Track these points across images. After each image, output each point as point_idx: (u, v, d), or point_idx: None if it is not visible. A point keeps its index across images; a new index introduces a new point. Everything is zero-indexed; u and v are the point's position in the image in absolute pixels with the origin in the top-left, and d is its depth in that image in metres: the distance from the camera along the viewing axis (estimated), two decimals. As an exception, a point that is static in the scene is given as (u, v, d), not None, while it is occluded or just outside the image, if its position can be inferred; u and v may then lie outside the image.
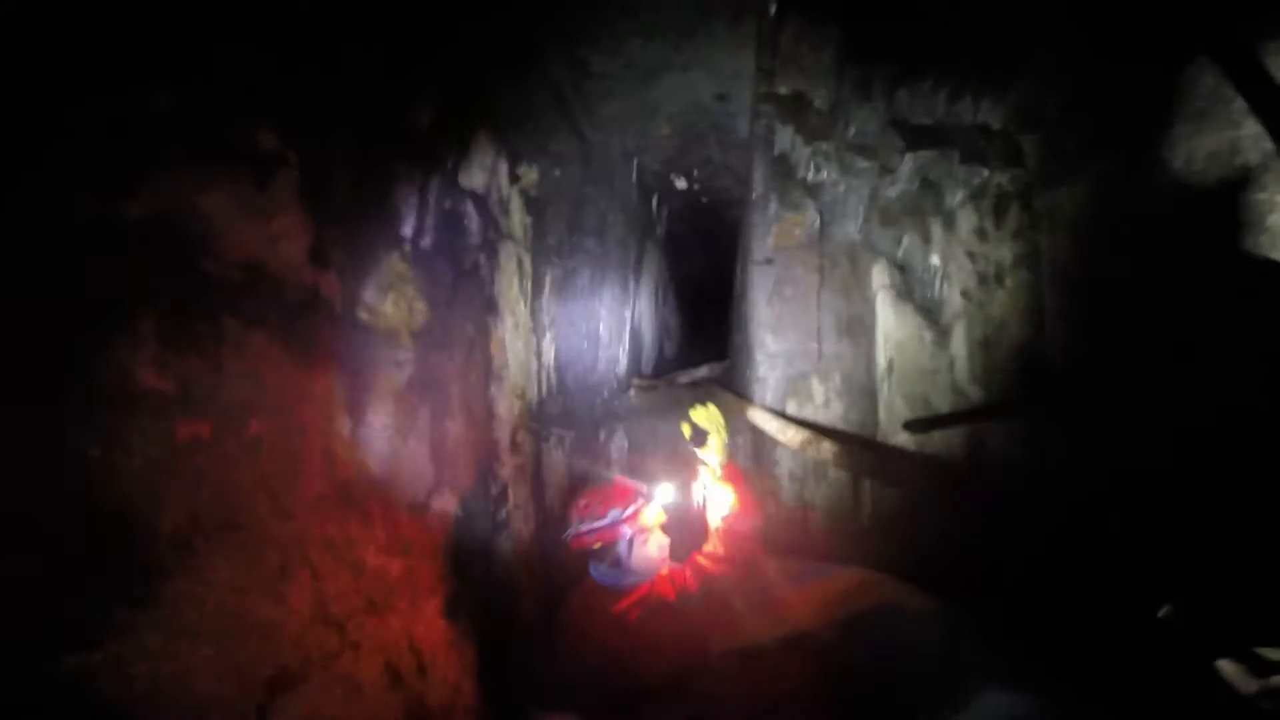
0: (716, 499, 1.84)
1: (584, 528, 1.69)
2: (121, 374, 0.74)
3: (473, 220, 1.68)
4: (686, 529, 1.93)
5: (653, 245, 3.81)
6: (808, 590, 1.80)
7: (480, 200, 1.75)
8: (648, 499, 1.79)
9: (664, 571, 1.71)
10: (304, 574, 0.91)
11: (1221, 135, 1.46)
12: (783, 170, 2.26)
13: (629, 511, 1.73)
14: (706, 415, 1.84)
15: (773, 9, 2.17)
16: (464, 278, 1.61)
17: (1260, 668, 0.75)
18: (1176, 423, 1.50)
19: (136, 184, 0.78)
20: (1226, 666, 0.78)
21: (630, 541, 1.70)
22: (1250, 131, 1.42)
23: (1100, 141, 1.71)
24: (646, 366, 3.79)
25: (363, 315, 1.15)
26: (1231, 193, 1.45)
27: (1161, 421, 1.54)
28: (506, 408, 1.86)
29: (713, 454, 1.83)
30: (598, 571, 1.70)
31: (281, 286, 0.98)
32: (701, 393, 3.05)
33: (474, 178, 1.72)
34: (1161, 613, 0.78)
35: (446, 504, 1.35)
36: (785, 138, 2.25)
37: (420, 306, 1.32)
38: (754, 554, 1.75)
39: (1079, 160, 1.76)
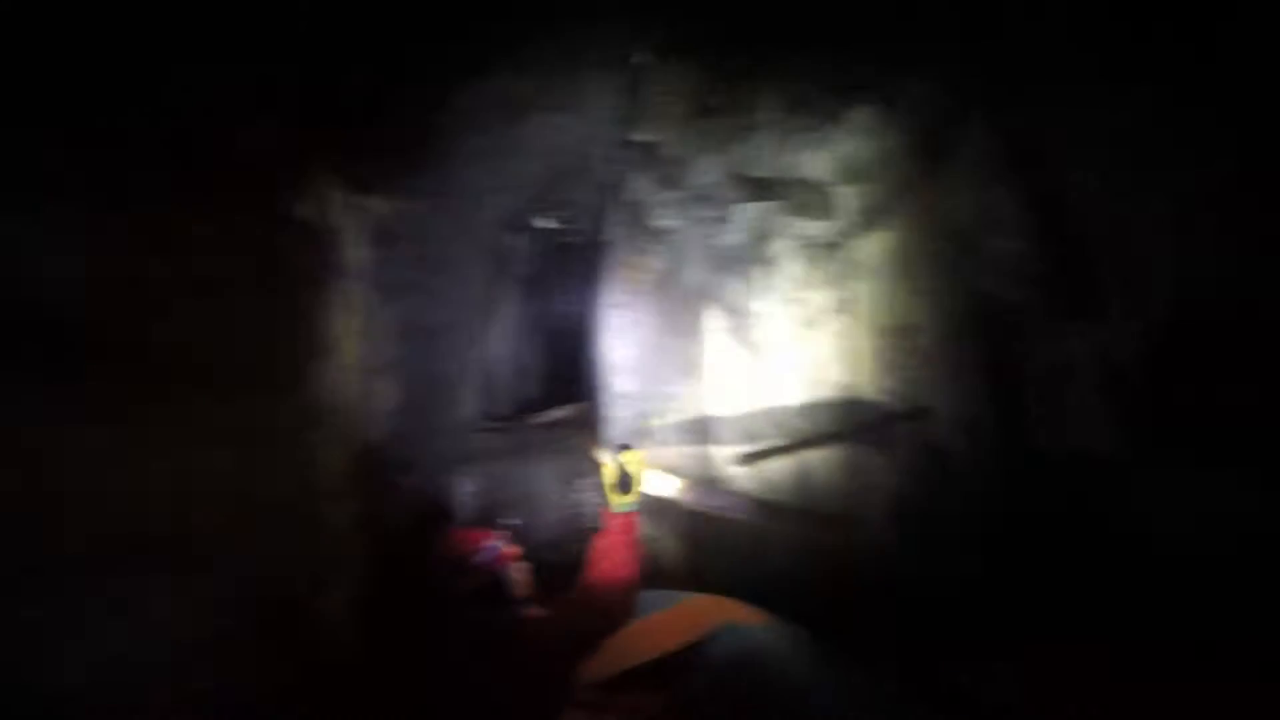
0: (607, 541, 1.78)
1: (473, 561, 1.62)
2: None
3: (301, 255, 1.57)
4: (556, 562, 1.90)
5: (511, 284, 3.78)
6: (663, 617, 1.84)
7: (312, 233, 1.64)
8: (506, 534, 1.75)
9: (531, 609, 1.67)
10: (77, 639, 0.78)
11: (992, 192, 1.73)
12: (633, 216, 2.36)
13: (499, 546, 1.68)
14: (634, 460, 1.80)
15: (636, 60, 2.29)
16: (287, 315, 1.49)
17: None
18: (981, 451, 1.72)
19: None
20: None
21: (509, 571, 1.66)
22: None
23: (902, 193, 1.96)
24: (502, 408, 3.70)
25: (151, 357, 1.02)
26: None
27: (971, 451, 1.76)
28: (335, 455, 1.73)
29: (631, 499, 1.78)
30: (474, 612, 1.62)
31: (54, 322, 0.85)
32: (556, 434, 3.03)
33: (307, 208, 1.61)
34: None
35: (246, 569, 1.21)
36: (637, 185, 2.35)
37: (228, 346, 1.19)
38: (624, 594, 1.72)
39: (885, 211, 2.00)
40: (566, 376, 5.89)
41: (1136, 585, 1.22)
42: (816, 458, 2.04)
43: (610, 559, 1.70)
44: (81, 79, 0.94)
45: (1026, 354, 1.58)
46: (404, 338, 2.38)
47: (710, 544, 2.18)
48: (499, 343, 3.71)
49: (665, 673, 1.74)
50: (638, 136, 2.25)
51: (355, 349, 1.95)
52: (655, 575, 2.26)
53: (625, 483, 1.77)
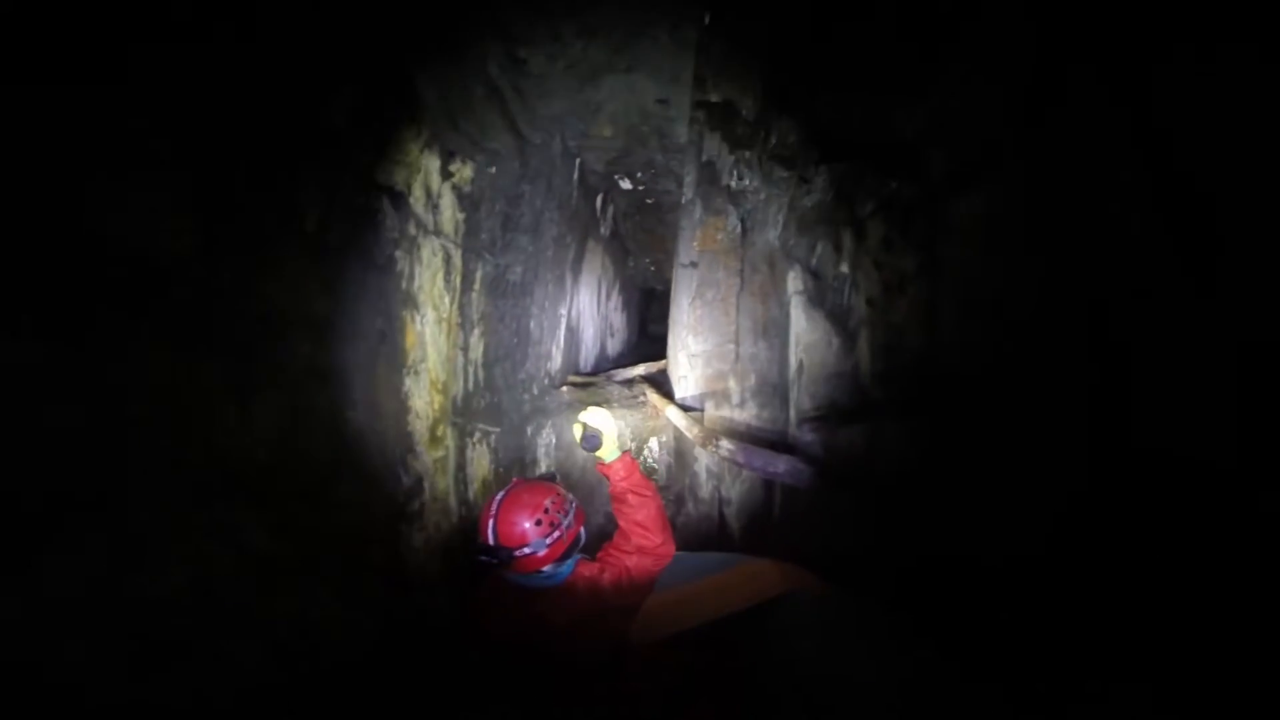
0: (615, 490, 1.75)
1: (549, 540, 1.54)
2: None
3: (389, 216, 1.70)
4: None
5: (595, 244, 3.86)
6: (718, 580, 1.86)
7: (398, 197, 1.76)
8: (564, 490, 1.74)
9: (580, 569, 1.66)
10: (177, 553, 0.92)
11: (1105, 154, 1.57)
12: (709, 176, 2.34)
13: (575, 503, 1.68)
14: (599, 417, 1.75)
15: (707, 19, 2.23)
16: (376, 271, 1.62)
17: None
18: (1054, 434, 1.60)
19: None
20: None
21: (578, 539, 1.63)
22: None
23: (997, 156, 1.81)
24: (586, 364, 3.83)
25: (256, 305, 1.16)
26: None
27: (1042, 434, 1.64)
28: (424, 401, 1.88)
29: (609, 453, 1.74)
30: (519, 577, 1.58)
31: (169, 278, 0.99)
32: (635, 391, 3.11)
33: (393, 175, 1.73)
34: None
35: (344, 491, 1.37)
36: (713, 145, 2.32)
37: (322, 298, 1.34)
38: (663, 545, 1.72)
39: (977, 174, 1.87)
40: (649, 334, 6.00)
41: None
42: (890, 428, 1.99)
43: (626, 503, 1.71)
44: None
45: (1138, 339, 1.43)
46: (493, 294, 2.52)
47: (781, 509, 2.20)
48: (585, 300, 3.83)
49: (721, 636, 1.77)
50: (713, 97, 2.21)
51: (447, 304, 2.10)
52: (724, 538, 2.31)
53: (591, 441, 1.73)
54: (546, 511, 1.55)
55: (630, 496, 1.70)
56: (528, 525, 1.51)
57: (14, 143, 0.80)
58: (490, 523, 1.53)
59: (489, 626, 1.61)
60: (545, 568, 1.55)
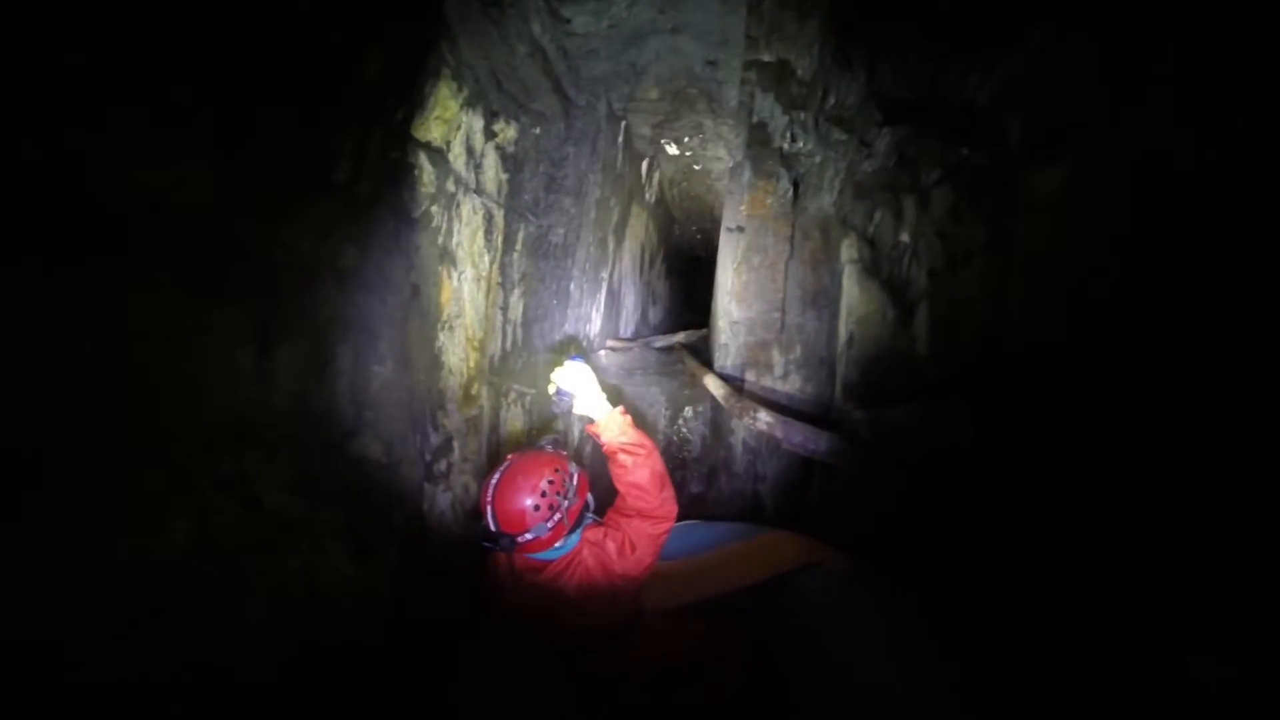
0: (606, 449, 1.67)
1: (550, 524, 1.47)
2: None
3: (425, 171, 1.64)
4: None
5: (639, 209, 3.75)
6: (735, 550, 1.81)
7: (437, 153, 1.71)
8: (569, 463, 1.63)
9: (585, 534, 1.61)
10: (181, 506, 0.90)
11: (1196, 126, 1.39)
12: (760, 138, 2.21)
13: (577, 471, 1.64)
14: (572, 374, 1.64)
15: None
16: (410, 226, 1.58)
17: None
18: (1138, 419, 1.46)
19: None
20: None
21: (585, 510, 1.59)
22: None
23: (1083, 123, 1.64)
24: (626, 329, 3.77)
25: (280, 254, 1.12)
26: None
27: (1123, 426, 1.50)
28: (459, 358, 1.85)
29: (588, 413, 1.65)
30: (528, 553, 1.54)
31: (186, 223, 0.96)
32: (673, 358, 3.03)
33: (430, 130, 1.68)
34: None
35: (366, 448, 1.34)
36: (765, 106, 2.18)
37: (351, 249, 1.29)
38: (661, 506, 1.61)
39: (1061, 142, 1.69)
40: (692, 303, 5.89)
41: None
42: (947, 410, 1.86)
43: (617, 463, 1.61)
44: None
45: (1231, 322, 1.27)
46: (534, 255, 2.46)
47: (819, 488, 2.10)
48: (627, 265, 3.75)
49: (737, 607, 1.71)
50: (765, 56, 2.05)
51: (487, 262, 2.05)
52: (758, 516, 2.24)
53: (562, 401, 1.64)
54: (544, 495, 1.46)
55: (621, 455, 1.59)
56: (527, 506, 1.43)
57: (25, 80, 0.76)
58: (488, 509, 1.46)
59: (501, 597, 1.58)
60: (554, 544, 1.50)
